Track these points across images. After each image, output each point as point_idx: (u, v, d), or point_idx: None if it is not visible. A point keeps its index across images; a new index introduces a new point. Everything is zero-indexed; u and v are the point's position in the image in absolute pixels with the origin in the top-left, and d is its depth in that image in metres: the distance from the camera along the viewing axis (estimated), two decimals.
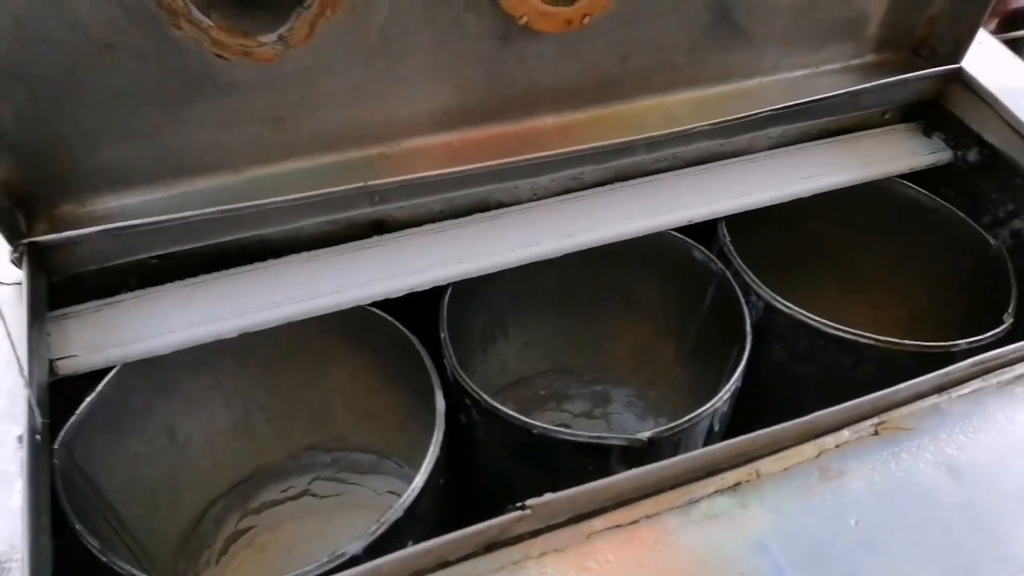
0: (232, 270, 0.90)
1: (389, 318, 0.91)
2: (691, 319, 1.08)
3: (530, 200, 1.02)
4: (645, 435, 0.79)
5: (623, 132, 1.03)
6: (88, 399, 0.81)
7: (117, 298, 0.86)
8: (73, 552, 0.70)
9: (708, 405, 0.83)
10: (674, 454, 0.85)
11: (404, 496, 0.76)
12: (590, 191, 1.04)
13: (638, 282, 1.12)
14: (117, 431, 0.87)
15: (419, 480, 0.78)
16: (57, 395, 0.80)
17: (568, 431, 0.80)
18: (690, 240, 1.03)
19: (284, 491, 1.19)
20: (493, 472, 0.95)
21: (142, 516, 0.94)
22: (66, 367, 0.81)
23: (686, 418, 0.81)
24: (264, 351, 0.99)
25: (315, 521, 1.22)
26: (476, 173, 0.96)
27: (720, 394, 0.85)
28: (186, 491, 1.03)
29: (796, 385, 0.99)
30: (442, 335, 0.89)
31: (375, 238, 0.95)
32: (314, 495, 1.22)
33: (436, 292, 0.93)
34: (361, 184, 0.91)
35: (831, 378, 0.95)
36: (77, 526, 0.71)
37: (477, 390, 0.84)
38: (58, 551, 0.71)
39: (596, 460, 0.81)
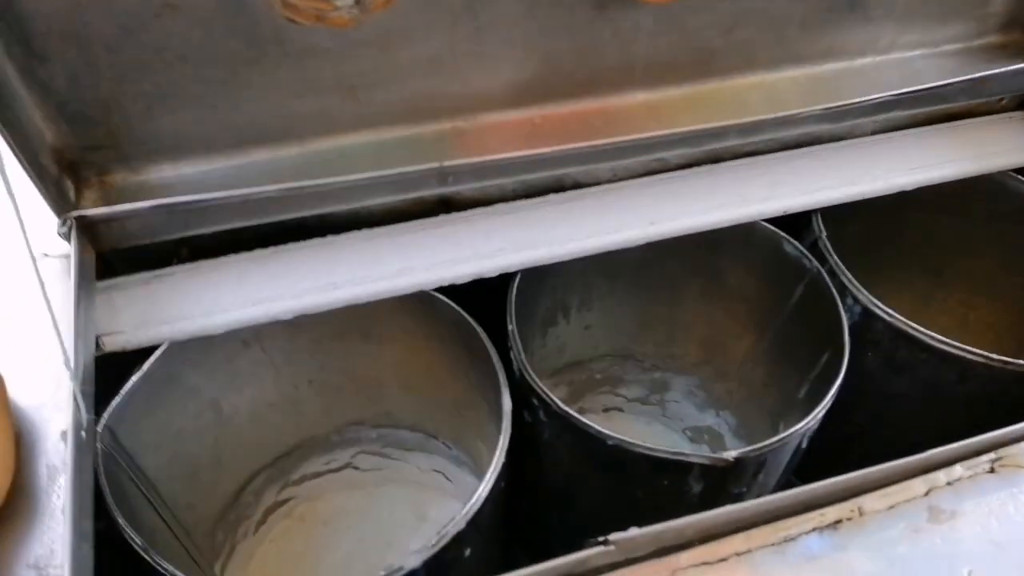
0: (289, 245, 0.83)
1: (453, 305, 0.84)
2: (774, 316, 1.00)
3: (609, 181, 0.94)
4: (731, 455, 0.72)
5: (720, 112, 0.93)
6: (133, 378, 0.76)
7: (167, 271, 0.80)
8: (114, 542, 0.66)
9: (802, 424, 0.76)
10: (758, 473, 0.79)
11: (467, 506, 0.70)
12: (676, 173, 0.95)
13: (719, 271, 1.04)
14: (162, 409, 0.83)
15: (483, 489, 0.72)
16: (99, 372, 0.76)
17: (646, 446, 0.73)
18: (781, 232, 0.94)
19: (327, 464, 1.15)
20: (557, 476, 0.89)
21: (183, 492, 0.90)
22: (112, 343, 0.75)
23: (777, 438, 0.74)
24: (318, 328, 0.93)
25: (356, 494, 1.19)
26: (556, 156, 0.88)
27: (815, 411, 0.77)
28: (228, 465, 0.99)
29: (888, 398, 0.91)
30: (510, 327, 0.83)
31: (442, 216, 0.88)
32: (356, 468, 1.18)
33: (502, 276, 0.86)
34: (436, 165, 0.83)
35: (930, 394, 0.87)
36: (120, 520, 0.66)
37: (547, 392, 0.78)
38: (98, 537, 0.67)
39: (673, 476, 0.75)
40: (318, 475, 1.15)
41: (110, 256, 0.81)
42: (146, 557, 0.65)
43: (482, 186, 0.88)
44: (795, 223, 0.96)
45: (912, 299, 1.20)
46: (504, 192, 0.90)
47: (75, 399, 0.60)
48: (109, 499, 0.67)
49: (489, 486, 0.72)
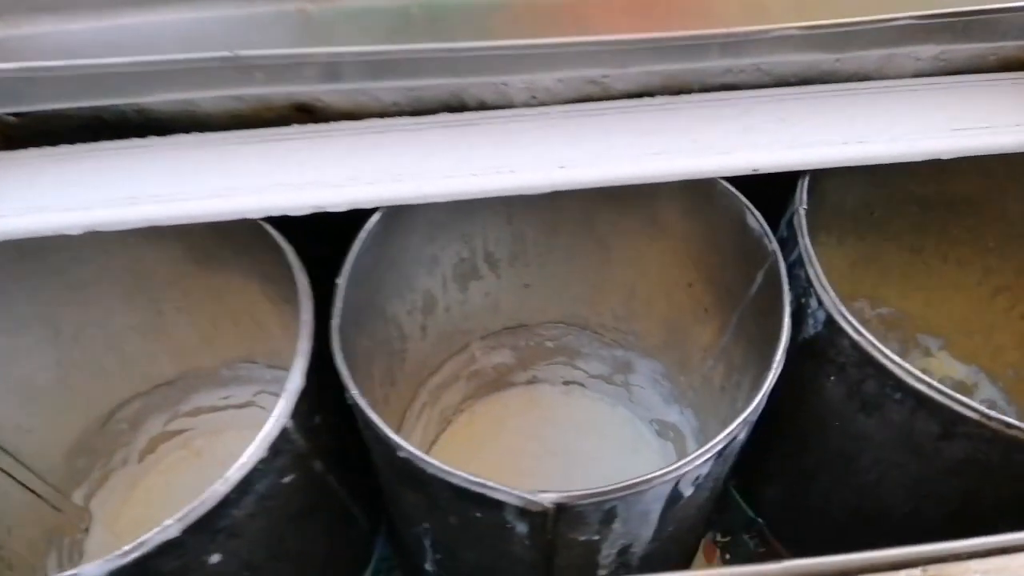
0: (98, 144, 0.68)
1: (280, 243, 0.67)
2: (735, 305, 0.77)
3: (524, 105, 0.72)
4: (548, 499, 0.52)
5: (684, 19, 0.69)
6: None
7: None
8: None
9: (666, 471, 0.55)
10: (609, 523, 0.58)
11: (203, 498, 0.55)
12: (615, 104, 0.72)
13: (677, 237, 0.80)
14: None
15: (220, 488, 0.56)
16: None
17: (439, 466, 0.54)
18: (743, 198, 0.70)
19: (224, 398, 1.03)
20: (385, 483, 0.72)
21: (8, 413, 0.80)
22: None
23: (617, 485, 0.54)
24: (170, 246, 0.79)
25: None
26: (449, 56, 0.67)
27: (700, 451, 0.56)
28: (82, 388, 0.88)
29: (852, 441, 0.67)
30: (337, 281, 0.65)
31: (295, 128, 0.70)
32: (261, 407, 1.05)
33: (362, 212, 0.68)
34: (286, 52, 0.65)
35: (904, 446, 0.63)
36: None
37: (343, 370, 0.60)
38: None
39: (484, 511, 0.56)
40: (216, 409, 1.03)
41: None
42: None
43: (351, 90, 0.69)
44: (778, 188, 0.71)
45: (961, 306, 0.92)
46: (383, 105, 0.71)
47: None
48: None
49: (240, 477, 0.56)
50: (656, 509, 0.59)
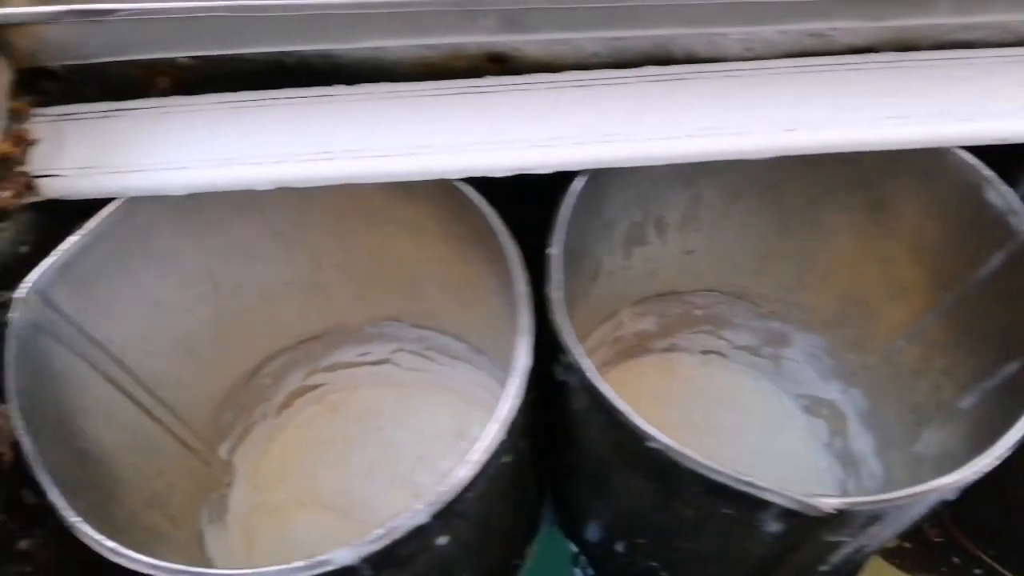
0: (284, 92, 0.64)
1: (483, 208, 0.62)
2: (953, 286, 0.70)
3: (739, 59, 0.65)
4: (832, 504, 0.48)
5: None
6: (73, 237, 0.61)
7: (130, 105, 0.64)
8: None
9: (953, 476, 0.49)
10: (870, 526, 0.54)
11: (450, 483, 0.52)
12: (843, 59, 0.65)
13: (884, 208, 0.74)
14: (126, 275, 0.69)
15: (465, 472, 0.52)
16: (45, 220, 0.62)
17: (700, 461, 0.50)
18: (985, 169, 0.63)
19: (362, 355, 1.01)
20: (589, 459, 0.68)
21: (170, 368, 0.78)
22: (51, 188, 0.61)
23: (908, 492, 0.49)
24: (338, 201, 0.75)
25: (395, 394, 1.04)
26: (663, 6, 0.61)
27: (983, 456, 0.50)
28: (236, 343, 0.86)
29: None
30: (550, 251, 0.60)
31: (490, 80, 0.65)
32: (396, 365, 1.03)
33: (561, 175, 0.63)
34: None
35: None
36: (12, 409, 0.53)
37: (577, 353, 0.56)
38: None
39: (739, 508, 0.52)
40: (352, 365, 1.01)
41: (74, 78, 0.65)
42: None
43: (553, 40, 0.64)
44: (1013, 160, 0.64)
45: None
46: (582, 56, 0.65)
47: None
48: (11, 382, 0.55)
49: (481, 463, 0.53)
50: (920, 514, 0.54)
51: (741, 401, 1.06)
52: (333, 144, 0.61)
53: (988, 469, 0.51)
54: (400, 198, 0.73)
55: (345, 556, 0.50)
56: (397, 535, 0.50)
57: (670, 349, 1.07)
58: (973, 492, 0.80)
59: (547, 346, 0.61)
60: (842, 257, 0.81)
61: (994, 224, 0.62)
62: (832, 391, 0.94)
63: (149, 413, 0.76)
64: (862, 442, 0.90)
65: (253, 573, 0.49)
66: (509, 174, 0.61)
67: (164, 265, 0.72)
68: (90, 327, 0.66)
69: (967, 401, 0.67)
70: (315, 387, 1.02)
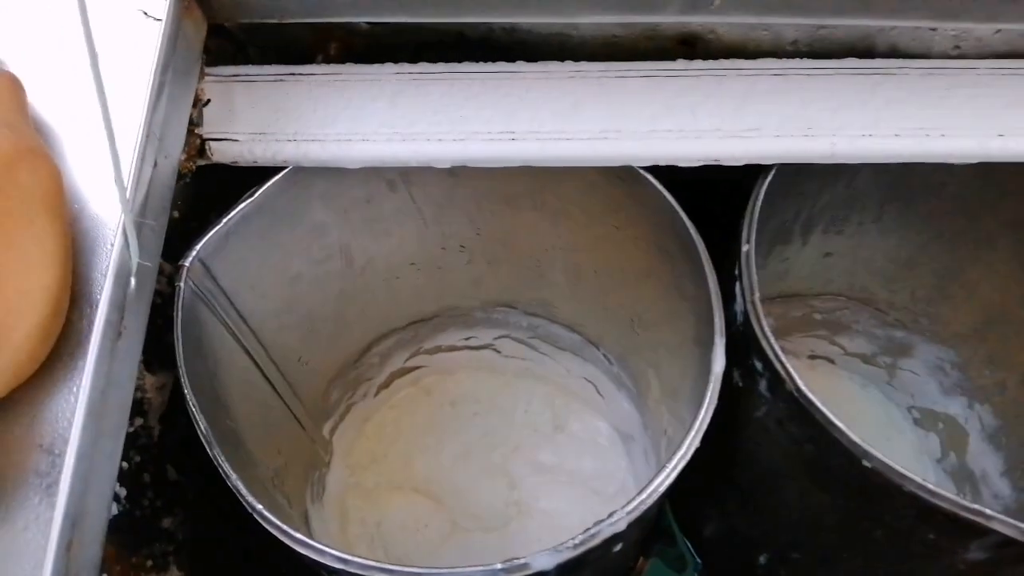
0: (464, 66, 0.61)
1: (667, 196, 0.59)
2: None
3: (946, 56, 0.62)
4: None
5: None
6: (243, 204, 0.58)
7: (306, 70, 0.60)
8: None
9: None
10: None
11: (630, 503, 0.49)
12: None
13: None
14: (278, 247, 0.66)
15: (659, 481, 0.50)
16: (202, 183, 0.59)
17: (925, 485, 0.47)
18: None
19: (466, 339, 0.98)
20: (761, 478, 0.65)
21: (295, 344, 0.76)
22: (223, 153, 0.58)
23: None
24: (481, 182, 0.72)
25: (493, 381, 1.02)
26: None
27: None
28: (354, 321, 0.83)
29: None
30: (744, 248, 0.57)
31: (681, 63, 0.61)
32: (497, 352, 1.00)
33: (747, 168, 0.60)
34: None
35: None
36: (185, 386, 0.51)
37: (784, 360, 0.53)
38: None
39: (949, 533, 0.49)
40: (454, 349, 0.99)
41: (241, 37, 0.62)
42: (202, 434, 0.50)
43: (750, 24, 0.60)
44: None
45: None
46: (779, 42, 0.62)
47: (123, 232, 0.42)
48: (180, 353, 0.52)
49: (669, 480, 0.50)
50: None
51: (846, 410, 1.02)
52: (517, 124, 0.58)
53: None
54: (548, 181, 0.70)
55: (543, 561, 0.47)
56: (594, 542, 0.48)
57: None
58: None
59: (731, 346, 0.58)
60: (995, 271, 0.78)
61: None
62: (954, 406, 0.92)
63: (275, 389, 0.73)
64: (986, 461, 0.88)
65: (449, 573, 0.46)
66: (700, 164, 0.58)
67: (309, 239, 0.69)
68: (238, 299, 0.63)
69: None
70: (413, 369, 0.99)
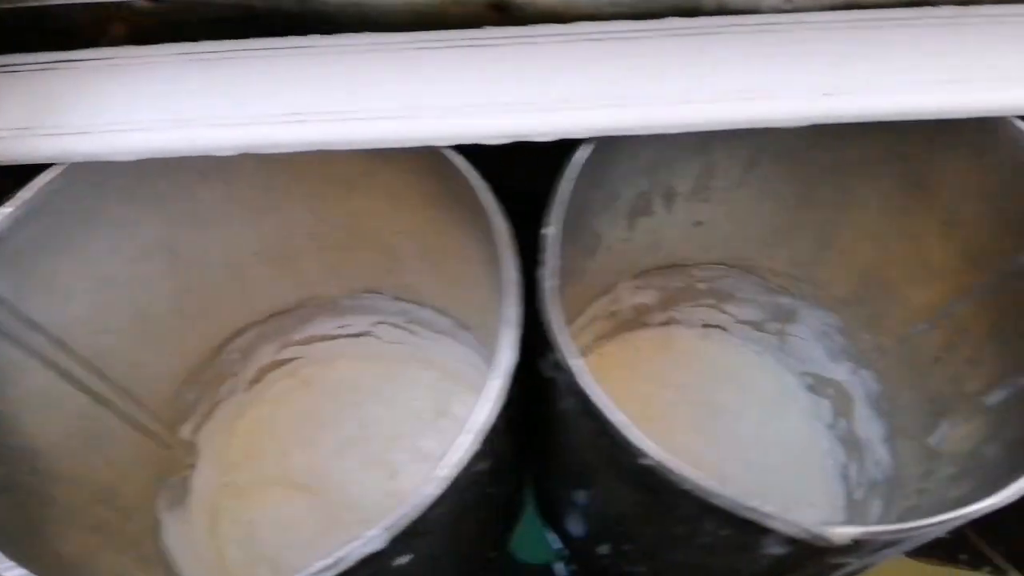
0: (253, 43, 0.55)
1: (471, 179, 0.54)
2: (991, 272, 0.64)
3: (776, 10, 0.57)
4: (847, 534, 0.42)
5: None
6: (9, 209, 0.53)
7: (76, 56, 0.54)
8: None
9: (978, 507, 0.44)
10: (881, 550, 0.48)
11: (413, 503, 0.45)
12: (889, 14, 0.57)
13: (923, 182, 0.67)
14: (73, 248, 0.60)
15: (430, 490, 0.46)
16: None
17: (699, 483, 0.43)
18: None
19: (341, 327, 0.93)
20: (575, 465, 0.62)
21: (124, 347, 0.70)
22: None
23: (928, 522, 0.43)
24: (305, 167, 0.66)
25: (374, 367, 0.97)
26: None
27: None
28: (197, 318, 0.78)
29: None
30: (545, 230, 0.52)
31: (489, 30, 0.56)
32: (378, 338, 0.96)
33: (563, 142, 0.55)
34: None
35: None
36: None
37: (567, 354, 0.49)
38: None
39: (739, 532, 0.46)
40: (330, 338, 0.94)
41: (10, 22, 0.56)
42: None
43: None
44: None
45: None
46: (598, 3, 0.57)
47: None
48: None
49: (457, 469, 0.46)
50: (930, 537, 0.49)
51: (741, 377, 1.00)
52: (306, 104, 0.53)
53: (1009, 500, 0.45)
54: (380, 163, 0.65)
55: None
56: (346, 565, 0.44)
57: (668, 323, 1.01)
58: None
59: (537, 334, 0.54)
60: (867, 232, 0.75)
61: None
62: (841, 371, 0.89)
63: (98, 398, 0.68)
64: (870, 427, 0.85)
65: None
66: (505, 142, 0.53)
67: (116, 236, 0.64)
68: (27, 308, 0.58)
69: (995, 397, 0.61)
70: (288, 360, 0.94)
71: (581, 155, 0.55)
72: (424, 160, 0.56)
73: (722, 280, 0.91)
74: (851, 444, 0.89)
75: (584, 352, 0.99)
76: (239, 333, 0.85)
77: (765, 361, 0.99)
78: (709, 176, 0.74)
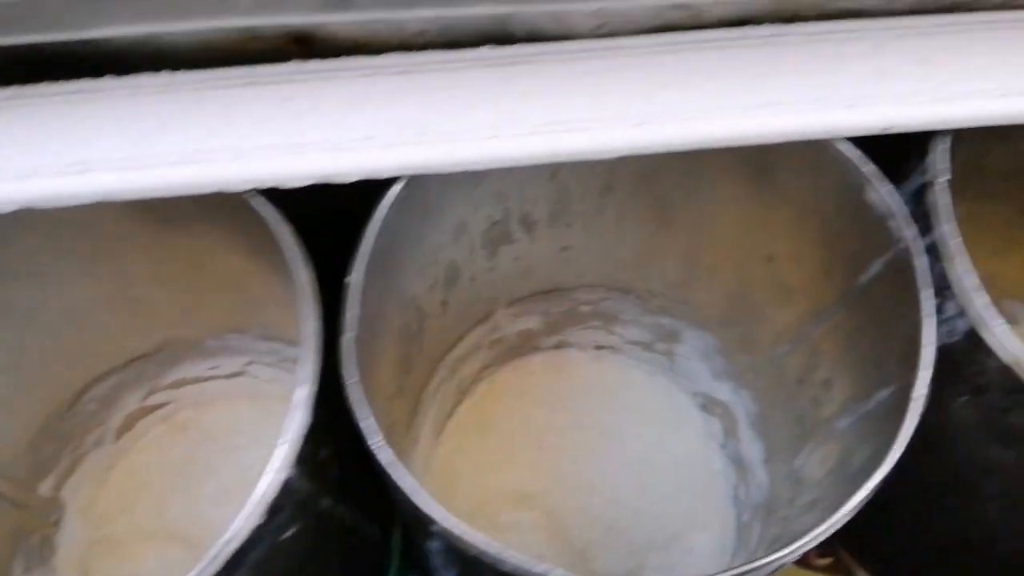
0: (38, 88, 0.52)
1: (279, 229, 0.52)
2: (835, 294, 0.63)
3: (588, 36, 0.56)
4: None
5: None
6: None
7: None
8: None
9: (804, 539, 0.42)
10: None
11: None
12: (708, 35, 0.56)
13: (765, 202, 0.66)
14: None
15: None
16: None
17: (490, 551, 0.41)
18: (867, 164, 0.55)
19: (212, 368, 0.90)
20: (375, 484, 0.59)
21: None
22: None
23: (762, 562, 0.41)
24: (133, 210, 0.63)
25: (252, 409, 0.94)
26: None
27: (837, 515, 0.43)
28: (42, 373, 0.74)
29: (984, 474, 0.55)
30: (350, 279, 0.50)
31: (291, 66, 0.53)
32: (254, 377, 0.92)
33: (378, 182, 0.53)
34: None
35: None
36: None
37: (360, 420, 0.46)
38: None
39: None
40: (202, 380, 0.90)
41: None
42: None
43: (364, 19, 0.53)
44: (900, 151, 0.56)
45: None
46: (406, 35, 0.54)
47: None
48: None
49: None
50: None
51: (635, 398, 0.99)
52: (89, 152, 0.50)
53: (842, 520, 0.44)
54: (213, 205, 0.62)
55: None
56: None
57: (559, 346, 0.99)
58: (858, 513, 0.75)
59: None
60: (727, 254, 0.74)
61: (874, 228, 0.55)
62: (724, 391, 0.88)
63: None
64: (752, 448, 0.84)
65: None
66: (305, 184, 0.50)
67: None
68: None
69: (843, 422, 0.60)
70: (160, 406, 0.91)
71: (392, 192, 0.53)
72: (229, 205, 0.53)
73: (604, 303, 0.89)
74: (739, 464, 0.88)
75: (473, 380, 0.97)
76: (96, 382, 0.81)
77: (657, 381, 0.98)
78: (567, 201, 0.73)
